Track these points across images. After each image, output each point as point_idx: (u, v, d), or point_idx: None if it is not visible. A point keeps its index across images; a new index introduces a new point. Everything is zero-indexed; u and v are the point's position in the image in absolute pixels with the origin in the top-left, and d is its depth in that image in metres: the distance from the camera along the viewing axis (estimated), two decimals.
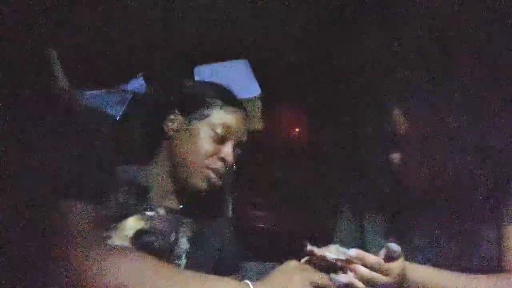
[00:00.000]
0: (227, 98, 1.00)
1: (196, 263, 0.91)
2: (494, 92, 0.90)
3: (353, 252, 0.78)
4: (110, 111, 1.28)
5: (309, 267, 0.77)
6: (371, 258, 0.78)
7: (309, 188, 1.68)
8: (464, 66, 0.93)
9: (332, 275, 0.78)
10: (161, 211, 0.93)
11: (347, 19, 1.50)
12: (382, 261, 0.78)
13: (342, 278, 0.77)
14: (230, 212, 1.43)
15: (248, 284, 0.70)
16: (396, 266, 0.79)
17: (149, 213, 0.90)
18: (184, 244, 0.95)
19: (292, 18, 1.51)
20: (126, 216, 0.87)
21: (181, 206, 0.99)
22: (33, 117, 0.56)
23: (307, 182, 1.69)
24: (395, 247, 0.79)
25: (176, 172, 0.97)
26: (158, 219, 0.91)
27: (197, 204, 0.99)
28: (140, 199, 0.92)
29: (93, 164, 0.77)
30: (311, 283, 0.73)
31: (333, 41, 1.59)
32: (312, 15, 1.53)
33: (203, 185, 0.94)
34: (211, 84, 1.05)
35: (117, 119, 1.21)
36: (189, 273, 0.75)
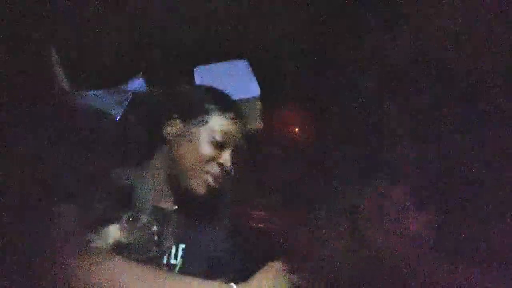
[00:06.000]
0: (226, 104, 1.01)
1: (191, 265, 0.91)
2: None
3: None
4: (110, 111, 1.27)
5: (293, 268, 0.77)
6: None
7: (309, 188, 1.68)
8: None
9: None
10: (145, 219, 0.92)
11: (348, 18, 1.50)
12: None
13: None
14: (229, 213, 1.43)
15: (232, 287, 0.71)
16: None
17: (130, 223, 0.89)
18: (171, 249, 0.93)
19: (291, 18, 1.51)
20: (108, 220, 0.87)
21: (175, 207, 0.99)
22: (33, 117, 0.56)
23: (307, 182, 1.69)
24: None
25: (174, 175, 0.97)
26: (139, 230, 0.89)
27: (193, 206, 0.99)
28: (123, 205, 0.92)
29: (88, 167, 0.77)
30: (296, 285, 0.73)
31: (334, 40, 1.58)
32: (312, 14, 1.53)
33: (200, 189, 0.95)
34: (210, 89, 1.06)
35: (117, 119, 1.21)
36: (172, 276, 0.75)
